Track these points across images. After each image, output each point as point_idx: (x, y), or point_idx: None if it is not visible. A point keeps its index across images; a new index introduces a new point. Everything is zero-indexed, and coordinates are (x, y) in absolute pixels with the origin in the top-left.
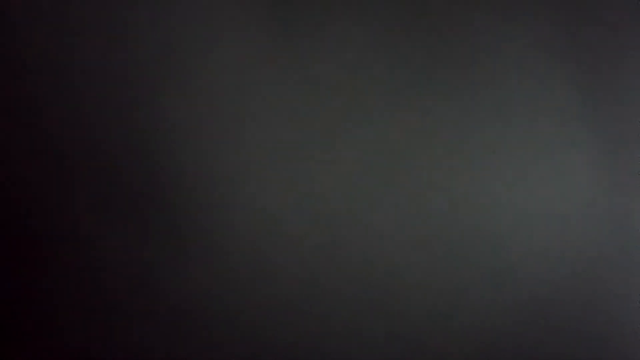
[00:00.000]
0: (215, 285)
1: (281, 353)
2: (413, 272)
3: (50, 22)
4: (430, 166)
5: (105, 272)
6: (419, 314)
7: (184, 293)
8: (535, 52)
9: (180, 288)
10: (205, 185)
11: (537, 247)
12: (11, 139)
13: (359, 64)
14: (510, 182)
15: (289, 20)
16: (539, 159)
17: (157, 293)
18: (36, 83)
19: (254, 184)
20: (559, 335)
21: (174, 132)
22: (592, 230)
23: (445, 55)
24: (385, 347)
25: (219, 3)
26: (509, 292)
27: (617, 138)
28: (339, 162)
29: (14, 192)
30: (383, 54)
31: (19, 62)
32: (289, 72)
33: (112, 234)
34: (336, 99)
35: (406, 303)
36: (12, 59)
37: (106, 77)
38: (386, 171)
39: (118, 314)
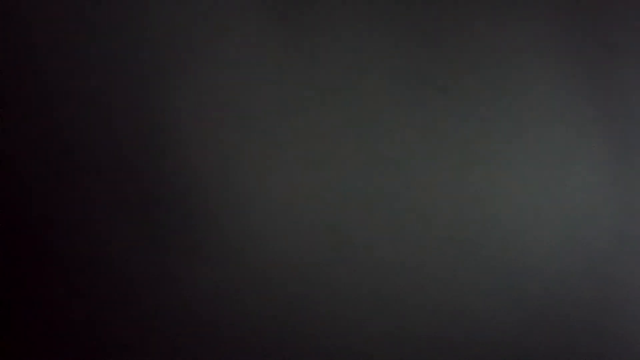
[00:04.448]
0: (228, 285)
1: (292, 351)
2: (421, 271)
3: (55, 21)
4: (437, 166)
5: (117, 272)
6: (427, 313)
7: (197, 293)
8: (540, 53)
9: (193, 288)
10: (210, 184)
11: (546, 247)
12: (20, 138)
13: (363, 65)
14: (517, 182)
15: (293, 20)
16: (546, 158)
17: (169, 293)
18: (41, 82)
19: (258, 183)
20: (568, 333)
21: (183, 131)
22: (600, 229)
23: (449, 57)
24: (392, 347)
25: (224, 3)
26: (518, 291)
27: (624, 136)
28: (345, 161)
29: (25, 191)
30: (386, 53)
31: (24, 61)
32: (293, 72)
33: (123, 233)
34: (340, 98)
35: (415, 302)
36: (18, 57)
37: (112, 75)
38: (392, 171)
39: (129, 313)
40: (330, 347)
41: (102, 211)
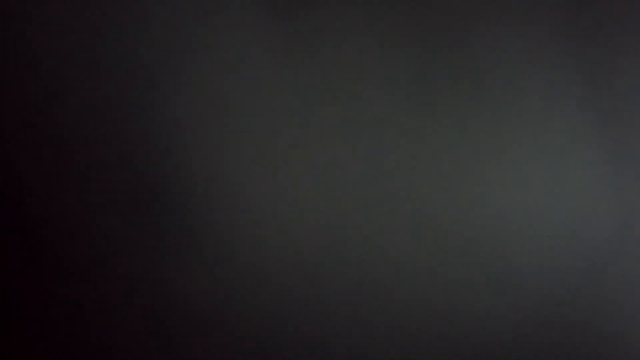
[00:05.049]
0: (228, 285)
1: (287, 353)
2: (420, 271)
3: (55, 22)
4: (433, 167)
5: (116, 272)
6: (426, 313)
7: (197, 293)
8: (538, 53)
9: (193, 287)
10: (210, 184)
11: (545, 247)
12: (20, 139)
13: (361, 64)
14: (515, 182)
15: (293, 21)
16: (543, 159)
17: (168, 293)
18: (40, 81)
19: (258, 184)
20: (567, 332)
21: (183, 131)
22: (600, 229)
23: (447, 56)
24: (392, 345)
25: (222, 2)
26: (517, 290)
27: (623, 137)
28: (342, 161)
29: (24, 191)
30: (385, 54)
31: (24, 63)
32: (293, 73)
33: (123, 234)
34: (337, 98)
35: (411, 305)
36: (18, 59)
37: (112, 76)
38: (388, 172)
39: (128, 313)
40: (329, 346)
41: (101, 211)
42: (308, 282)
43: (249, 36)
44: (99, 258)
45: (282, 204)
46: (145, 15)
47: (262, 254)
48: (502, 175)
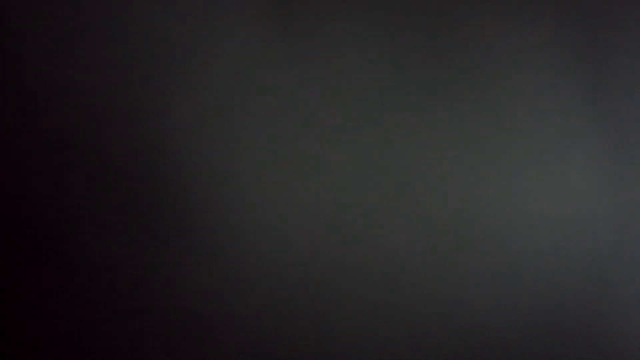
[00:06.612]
0: (229, 284)
1: (287, 352)
2: (418, 272)
3: (53, 22)
4: (433, 166)
5: (116, 270)
6: (427, 311)
7: (197, 292)
8: (538, 52)
9: (193, 286)
10: (209, 184)
11: (546, 246)
12: (20, 138)
13: (359, 63)
14: (515, 182)
15: (290, 19)
16: (543, 158)
17: (168, 291)
18: (40, 81)
19: (257, 183)
20: (567, 331)
21: (182, 130)
22: (600, 228)
23: (447, 56)
24: (392, 344)
25: (222, 3)
26: (517, 289)
27: (624, 136)
28: (342, 160)
29: (23, 189)
30: (384, 53)
31: (22, 63)
32: (293, 72)
33: (123, 232)
34: (337, 98)
35: (410, 303)
36: (16, 57)
37: (111, 76)
38: (388, 171)
39: (123, 313)
40: (330, 344)
41: (101, 210)
42: (308, 281)
43: (249, 35)
44: (99, 256)
45: (282, 202)
46: (144, 15)
47: (262, 253)
48: (503, 175)
